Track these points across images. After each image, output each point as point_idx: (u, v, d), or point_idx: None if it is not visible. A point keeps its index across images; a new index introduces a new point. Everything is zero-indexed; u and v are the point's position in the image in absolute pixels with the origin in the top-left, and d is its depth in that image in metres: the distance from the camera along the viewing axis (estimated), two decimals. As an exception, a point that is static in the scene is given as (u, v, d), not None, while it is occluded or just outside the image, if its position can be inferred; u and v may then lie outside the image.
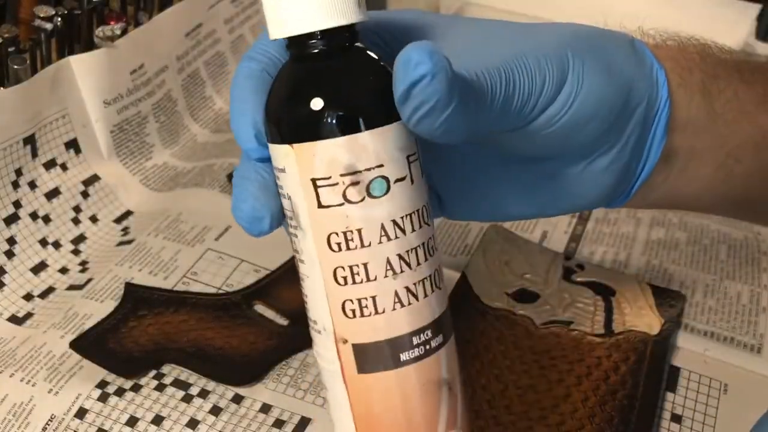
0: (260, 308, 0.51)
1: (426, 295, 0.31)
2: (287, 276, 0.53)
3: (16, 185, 0.55)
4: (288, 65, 0.31)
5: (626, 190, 0.39)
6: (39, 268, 0.54)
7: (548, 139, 0.34)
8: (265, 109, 0.31)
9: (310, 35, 0.30)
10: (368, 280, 0.30)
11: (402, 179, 0.30)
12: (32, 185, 0.56)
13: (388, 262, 0.30)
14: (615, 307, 0.52)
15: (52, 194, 0.57)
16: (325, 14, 0.29)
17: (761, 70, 0.40)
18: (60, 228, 0.57)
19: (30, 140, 0.56)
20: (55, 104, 0.58)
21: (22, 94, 0.55)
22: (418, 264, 0.31)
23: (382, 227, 0.30)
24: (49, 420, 0.43)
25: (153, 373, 0.46)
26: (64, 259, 0.55)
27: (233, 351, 0.48)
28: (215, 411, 0.44)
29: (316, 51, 0.30)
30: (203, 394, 0.45)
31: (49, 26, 0.59)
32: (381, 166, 0.29)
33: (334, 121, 0.29)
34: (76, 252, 0.56)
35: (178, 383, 0.45)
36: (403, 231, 0.30)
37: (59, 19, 0.60)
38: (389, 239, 0.30)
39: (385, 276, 0.30)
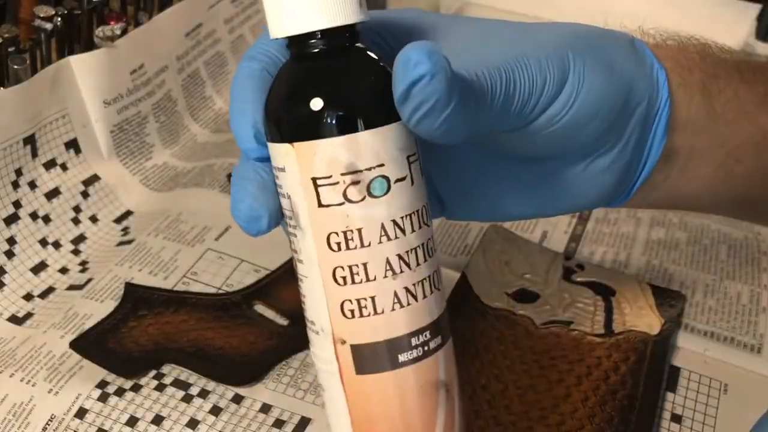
0: (260, 308, 0.51)
1: (425, 296, 0.31)
2: (287, 276, 0.53)
3: (16, 185, 0.55)
4: (289, 64, 0.31)
5: (627, 189, 0.39)
6: (39, 268, 0.54)
7: (549, 139, 0.34)
8: (265, 108, 0.31)
9: (310, 35, 0.30)
10: (368, 280, 0.30)
11: (402, 179, 0.30)
12: (32, 185, 0.56)
13: (388, 262, 0.30)
14: (615, 307, 0.52)
15: (52, 194, 0.57)
16: (326, 14, 0.29)
17: (761, 70, 0.40)
18: (60, 228, 0.57)
19: (30, 140, 0.56)
20: (55, 104, 0.58)
21: (22, 94, 0.55)
22: (418, 264, 0.31)
23: (382, 227, 0.30)
24: (49, 420, 0.43)
25: (153, 373, 0.46)
26: (64, 259, 0.55)
27: (233, 351, 0.48)
28: (215, 411, 0.44)
29: (316, 50, 0.30)
30: (203, 394, 0.45)
31: (49, 26, 0.59)
32: (381, 165, 0.29)
33: (334, 120, 0.29)
34: (76, 252, 0.56)
35: (178, 383, 0.45)
36: (403, 231, 0.30)
37: (59, 19, 0.60)
38: (389, 239, 0.30)
39: (385, 276, 0.30)
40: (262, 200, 0.31)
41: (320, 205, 0.30)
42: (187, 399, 0.44)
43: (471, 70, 0.30)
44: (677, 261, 0.59)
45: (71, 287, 0.53)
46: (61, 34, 0.61)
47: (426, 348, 0.31)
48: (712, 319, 0.53)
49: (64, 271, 0.55)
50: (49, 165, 0.58)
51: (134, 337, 0.48)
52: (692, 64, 0.38)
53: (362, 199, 0.29)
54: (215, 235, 0.57)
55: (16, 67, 0.56)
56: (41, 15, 0.59)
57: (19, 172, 0.55)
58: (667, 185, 0.39)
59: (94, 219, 0.59)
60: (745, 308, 0.55)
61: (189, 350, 0.47)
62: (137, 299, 0.51)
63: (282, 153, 0.30)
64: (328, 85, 0.30)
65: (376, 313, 0.30)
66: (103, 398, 0.44)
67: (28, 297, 0.52)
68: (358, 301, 0.30)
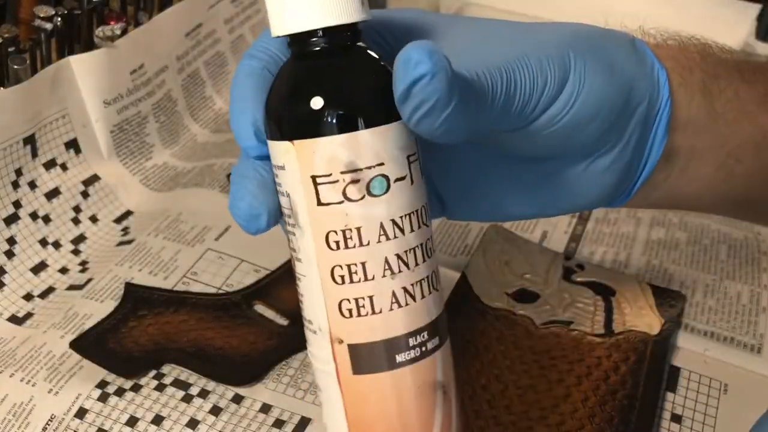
0: (260, 308, 0.51)
1: (423, 296, 0.31)
2: (287, 276, 0.53)
3: (16, 185, 0.55)
4: (290, 63, 0.31)
5: (627, 189, 0.39)
6: (39, 268, 0.54)
7: (549, 139, 0.34)
8: (265, 106, 0.31)
9: (312, 33, 0.30)
10: (366, 279, 0.30)
11: (402, 179, 0.30)
12: (32, 185, 0.56)
13: (387, 261, 0.30)
14: (615, 307, 0.52)
15: (52, 194, 0.57)
16: (328, 13, 0.29)
17: (762, 70, 0.40)
18: (60, 228, 0.57)
19: (30, 140, 0.56)
20: (55, 104, 0.58)
21: (22, 94, 0.55)
22: (416, 265, 0.31)
23: (381, 226, 0.30)
24: (49, 420, 0.43)
25: (153, 373, 0.46)
26: (64, 259, 0.55)
27: (233, 351, 0.48)
28: (215, 411, 0.44)
29: (318, 49, 0.30)
30: (203, 394, 0.45)
31: (49, 26, 0.59)
32: (381, 164, 0.29)
33: (335, 119, 0.29)
34: (76, 252, 0.56)
35: (178, 383, 0.45)
36: (402, 231, 0.30)
37: (59, 19, 0.60)
38: (388, 239, 0.30)
39: (383, 276, 0.30)
40: (262, 198, 0.31)
41: (319, 203, 0.30)
42: (187, 399, 0.44)
43: (471, 69, 0.30)
44: (677, 261, 0.59)
45: (71, 287, 0.53)
46: (61, 34, 0.61)
47: (424, 348, 0.31)
48: (712, 319, 0.53)
49: (64, 271, 0.55)
50: (49, 165, 0.58)
51: (134, 337, 0.48)
52: (693, 63, 0.38)
53: (362, 198, 0.29)
54: (215, 235, 0.57)
55: (16, 67, 0.56)
56: (41, 15, 0.59)
57: (19, 172, 0.55)
58: (668, 185, 0.39)
59: (94, 219, 0.59)
60: (745, 308, 0.55)
61: (189, 350, 0.47)
62: (137, 299, 0.51)
63: (282, 151, 0.30)
64: (329, 83, 0.30)
65: (374, 312, 0.30)
66: (103, 398, 0.44)
67: (28, 297, 0.52)
68: (356, 300, 0.30)
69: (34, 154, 0.57)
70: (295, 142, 0.29)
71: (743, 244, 0.61)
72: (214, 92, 0.74)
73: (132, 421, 0.43)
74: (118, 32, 0.62)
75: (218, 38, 0.75)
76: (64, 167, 0.59)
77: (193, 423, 0.43)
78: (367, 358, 0.31)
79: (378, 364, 0.31)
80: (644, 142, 0.37)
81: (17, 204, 0.55)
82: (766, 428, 0.36)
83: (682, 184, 0.39)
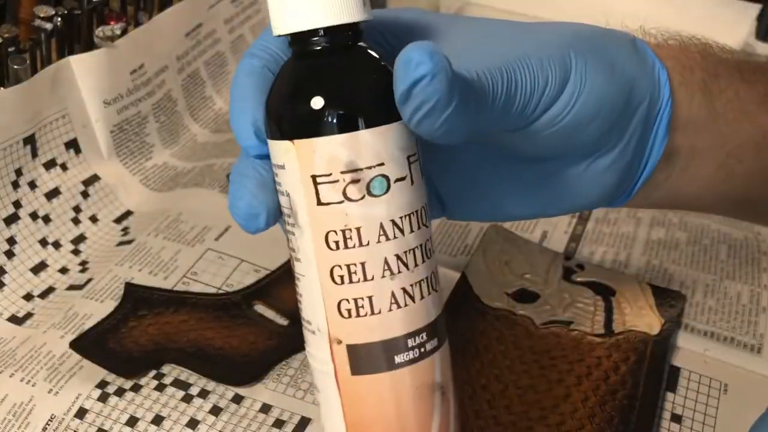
0: (260, 308, 0.51)
1: (422, 297, 0.31)
2: (287, 276, 0.53)
3: (16, 185, 0.55)
4: (290, 62, 0.31)
5: (628, 189, 0.39)
6: (39, 268, 0.54)
7: (550, 139, 0.34)
8: (266, 105, 0.31)
9: (313, 32, 0.30)
10: (365, 279, 0.30)
11: (402, 179, 0.30)
12: (32, 185, 0.56)
13: (386, 262, 0.30)
14: (615, 307, 0.52)
15: (52, 194, 0.57)
16: (329, 12, 0.29)
17: (762, 69, 0.40)
18: (60, 228, 0.57)
19: (30, 140, 0.56)
20: (55, 104, 0.58)
21: (22, 94, 0.55)
22: (416, 265, 0.31)
23: (381, 226, 0.30)
24: (49, 420, 0.43)
25: (153, 373, 0.46)
26: (64, 259, 0.55)
27: (233, 351, 0.48)
28: (215, 411, 0.44)
29: (319, 48, 0.30)
30: (203, 394, 0.45)
31: (49, 26, 0.59)
32: (381, 164, 0.29)
33: (335, 118, 0.29)
34: (76, 252, 0.56)
35: (178, 383, 0.45)
36: (402, 231, 0.30)
37: (59, 19, 0.60)
38: (388, 239, 0.30)
39: (383, 276, 0.30)
40: (261, 198, 0.31)
41: (319, 203, 0.30)
42: (187, 399, 0.44)
43: (472, 70, 0.30)
44: (677, 261, 0.59)
45: (71, 287, 0.53)
46: (61, 34, 0.61)
47: (422, 350, 0.31)
48: (712, 319, 0.53)
49: (64, 271, 0.55)
50: (49, 165, 0.58)
51: (134, 337, 0.48)
52: (693, 63, 0.38)
53: (362, 198, 0.29)
54: (215, 235, 0.57)
55: (16, 67, 0.56)
56: (41, 15, 0.59)
57: (19, 172, 0.55)
58: (669, 185, 0.39)
59: (94, 219, 0.59)
60: (745, 308, 0.55)
61: (189, 350, 0.47)
62: (137, 299, 0.51)
63: (282, 150, 0.30)
64: (329, 82, 0.30)
65: (373, 313, 0.30)
66: (103, 398, 0.44)
67: (28, 297, 0.52)
68: (355, 300, 0.30)
69: (34, 154, 0.57)
70: (296, 141, 0.29)
71: (743, 244, 0.61)
72: (214, 92, 0.74)
73: (132, 421, 0.43)
74: (118, 32, 0.62)
75: (218, 38, 0.75)
76: (64, 167, 0.59)
77: (193, 423, 0.43)
78: (365, 359, 0.30)
79: (376, 364, 0.30)
80: (645, 142, 0.37)
81: (17, 204, 0.55)
82: (765, 428, 0.36)
83: (682, 183, 0.39)
